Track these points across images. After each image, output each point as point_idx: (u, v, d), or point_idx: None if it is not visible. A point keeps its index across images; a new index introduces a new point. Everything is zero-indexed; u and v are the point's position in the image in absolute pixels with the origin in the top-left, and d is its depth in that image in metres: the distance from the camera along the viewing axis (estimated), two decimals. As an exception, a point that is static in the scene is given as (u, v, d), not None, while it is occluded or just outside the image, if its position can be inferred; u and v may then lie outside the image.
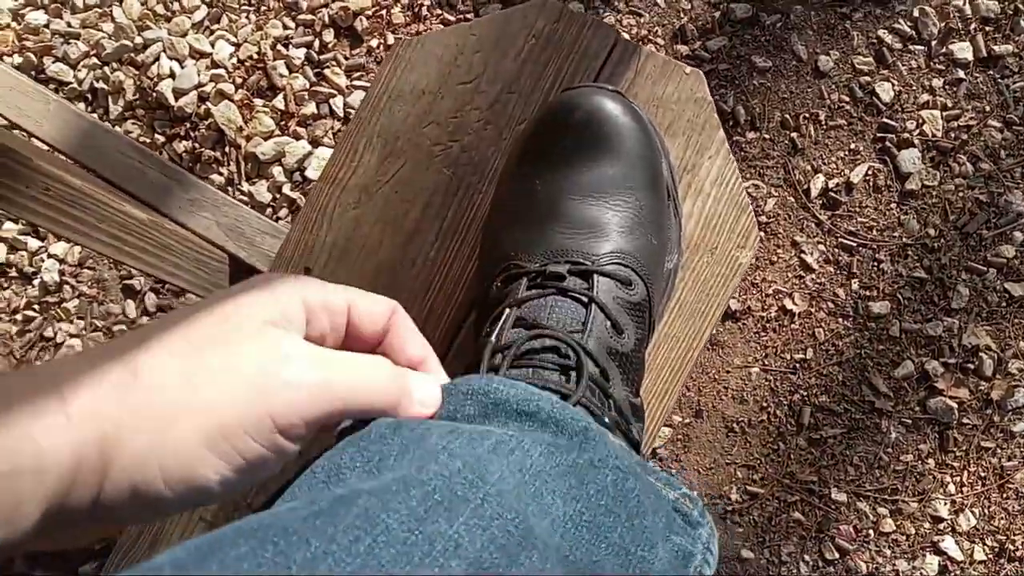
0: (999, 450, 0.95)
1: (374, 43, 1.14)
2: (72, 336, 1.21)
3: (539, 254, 0.46)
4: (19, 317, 1.22)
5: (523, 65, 0.58)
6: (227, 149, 1.17)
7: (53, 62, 1.22)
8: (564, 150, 0.48)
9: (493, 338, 0.42)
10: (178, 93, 1.17)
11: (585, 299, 0.43)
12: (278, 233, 0.69)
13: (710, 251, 0.55)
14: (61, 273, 1.22)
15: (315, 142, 1.15)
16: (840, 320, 0.99)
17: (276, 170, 1.15)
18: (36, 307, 1.22)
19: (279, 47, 1.15)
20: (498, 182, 0.54)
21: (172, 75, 1.18)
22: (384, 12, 1.13)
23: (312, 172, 1.13)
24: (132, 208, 0.65)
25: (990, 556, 0.95)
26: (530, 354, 0.41)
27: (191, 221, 0.70)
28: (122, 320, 1.20)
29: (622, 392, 0.43)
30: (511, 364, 0.41)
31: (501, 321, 0.44)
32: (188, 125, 1.18)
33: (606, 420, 0.40)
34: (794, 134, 1.01)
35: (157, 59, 1.18)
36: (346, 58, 1.14)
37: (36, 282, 1.21)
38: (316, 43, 1.14)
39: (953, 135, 0.98)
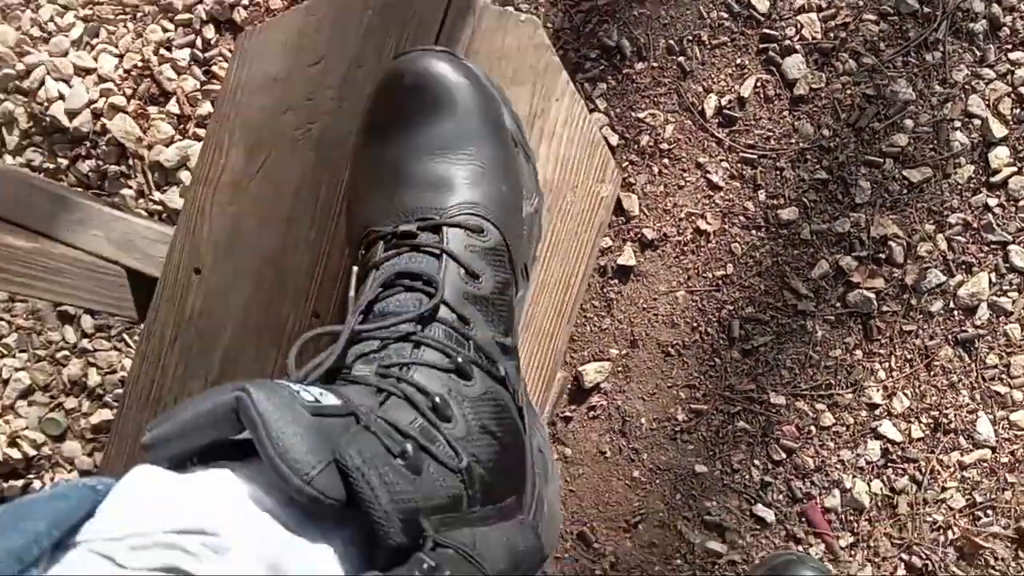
0: (921, 331, 0.99)
1: (258, 32, 1.13)
2: (18, 370, 1.21)
3: (391, 217, 0.48)
4: (-41, 363, 1.22)
5: (365, 39, 0.59)
6: (131, 161, 1.16)
7: (-64, 101, 1.20)
8: (401, 116, 0.49)
9: (351, 315, 0.44)
10: (71, 114, 1.16)
11: (437, 251, 0.45)
12: (168, 239, 0.70)
13: (572, 190, 0.57)
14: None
15: (218, 141, 1.14)
16: (753, 232, 1.01)
17: (184, 175, 1.14)
18: (-26, 350, 1.21)
19: (162, 51, 1.13)
20: (350, 159, 0.54)
21: (62, 96, 1.16)
22: (260, 0, 1.12)
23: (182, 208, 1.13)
24: (13, 239, 0.65)
25: (927, 432, 0.99)
26: (384, 315, 0.43)
27: (81, 241, 0.70)
28: (64, 346, 1.20)
29: (486, 333, 0.45)
30: (357, 332, 0.42)
31: (365, 286, 0.46)
32: (88, 144, 1.17)
33: (460, 360, 0.41)
34: (681, 58, 1.02)
35: (43, 83, 1.16)
36: (231, 51, 1.13)
37: (-32, 326, 1.21)
38: (198, 41, 1.13)
39: (832, 35, 0.99)
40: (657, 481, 1.04)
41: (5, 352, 1.22)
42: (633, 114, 1.02)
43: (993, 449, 0.97)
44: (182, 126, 1.14)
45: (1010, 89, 0.97)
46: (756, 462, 1.01)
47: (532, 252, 0.54)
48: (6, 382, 1.22)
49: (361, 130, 0.52)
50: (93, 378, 1.21)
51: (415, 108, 0.48)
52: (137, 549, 0.29)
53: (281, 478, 0.32)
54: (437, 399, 0.40)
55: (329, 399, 0.36)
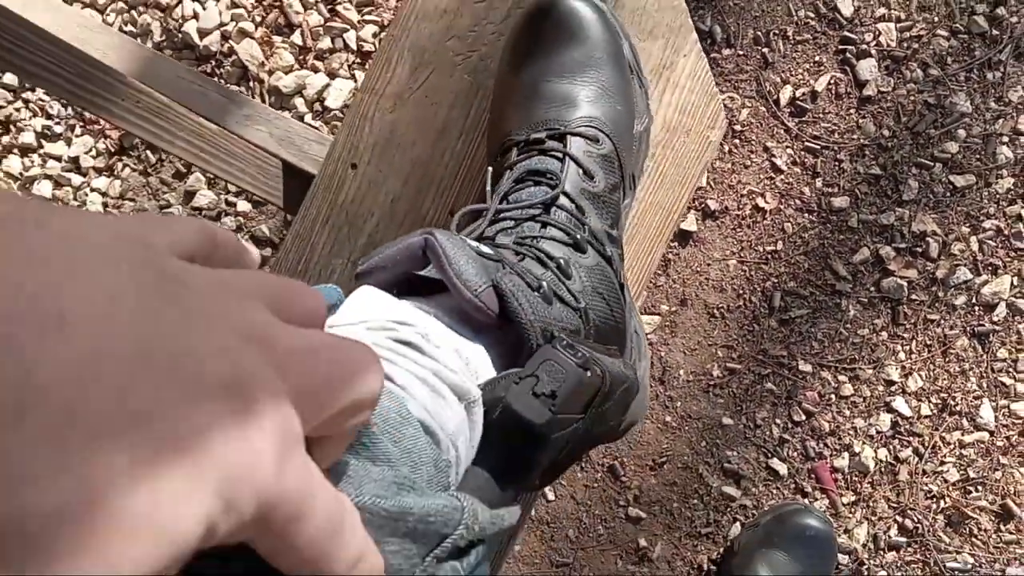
0: (943, 321, 1.10)
1: (382, -21, 1.25)
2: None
3: (525, 128, 0.59)
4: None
5: (529, -14, 0.70)
6: (251, 84, 1.28)
7: (82, 8, 1.32)
8: (539, 43, 0.61)
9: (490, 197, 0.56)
10: (202, 33, 1.28)
11: (560, 154, 0.57)
12: (323, 141, 0.82)
13: (686, 132, 0.69)
14: (105, 205, 1.34)
15: (332, 74, 1.26)
16: (806, 215, 1.12)
17: (298, 101, 1.26)
18: (83, 234, 1.34)
19: (294, -14, 1.26)
20: (495, 80, 0.66)
21: (196, 16, 1.29)
22: (390, -50, 1.24)
23: (332, 102, 1.25)
24: (203, 120, 0.77)
25: (934, 411, 1.10)
26: (518, 202, 0.55)
27: (248, 133, 0.82)
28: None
29: (598, 224, 0.56)
30: (499, 206, 0.54)
31: (502, 182, 0.57)
32: (214, 63, 1.29)
33: (578, 237, 0.53)
34: (765, 49, 1.13)
35: (180, 2, 1.29)
36: (357, -6, 1.25)
37: (82, 211, 1.33)
38: (329, -19, 1.25)
39: (906, 45, 1.11)
40: (686, 428, 1.16)
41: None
42: (713, 95, 1.14)
43: (991, 433, 1.09)
44: (302, 57, 1.27)
45: (1055, 115, 1.08)
46: (777, 420, 1.13)
47: (640, 165, 0.65)
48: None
49: (506, 56, 0.64)
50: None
51: (551, 37, 0.60)
52: (371, 330, 0.41)
53: (457, 292, 0.42)
54: (561, 261, 0.51)
55: (485, 250, 0.47)
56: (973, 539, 1.09)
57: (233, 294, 0.21)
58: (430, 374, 0.39)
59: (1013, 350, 1.09)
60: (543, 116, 0.59)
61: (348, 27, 1.25)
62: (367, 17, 1.25)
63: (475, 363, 0.42)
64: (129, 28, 1.31)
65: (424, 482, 0.34)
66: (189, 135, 0.73)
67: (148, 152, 1.33)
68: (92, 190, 1.34)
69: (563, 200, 0.54)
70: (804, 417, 1.12)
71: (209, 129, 0.76)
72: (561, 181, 0.55)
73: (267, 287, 0.23)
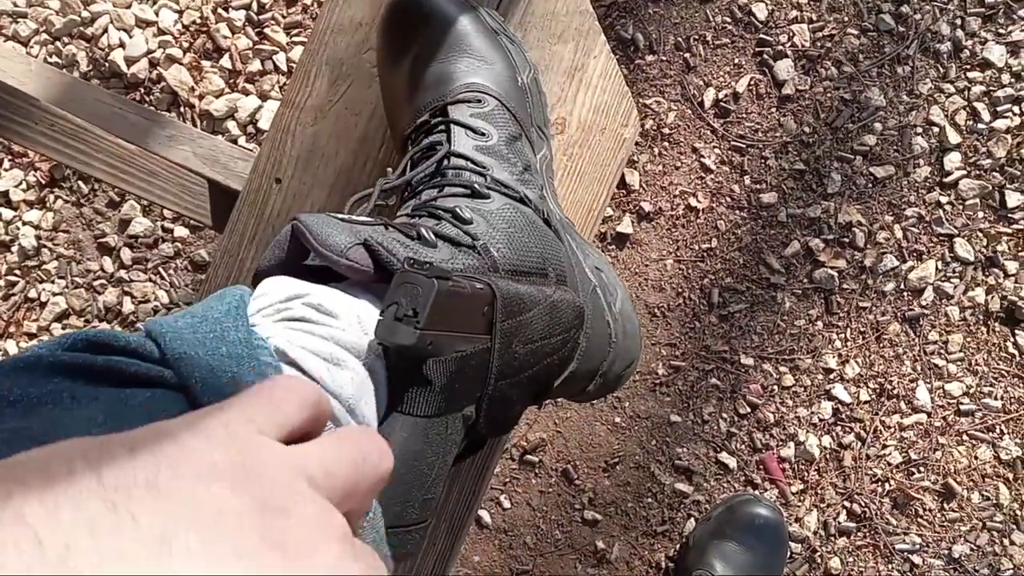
0: (874, 308, 1.13)
1: (308, 0, 1.25)
2: (55, 295, 1.31)
3: (413, 117, 0.60)
4: (2, 283, 1.31)
5: (441, -6, 0.71)
6: (182, 109, 1.27)
7: (4, 41, 1.30)
8: (401, 38, 0.62)
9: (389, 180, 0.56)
10: (130, 61, 1.27)
11: (444, 125, 0.57)
12: (248, 157, 0.82)
13: (600, 131, 0.70)
14: (38, 238, 1.31)
15: (263, 96, 1.26)
16: (737, 212, 1.15)
17: (230, 124, 1.26)
18: (17, 272, 1.31)
19: (220, 11, 1.26)
20: (380, 89, 0.67)
21: (122, 45, 1.28)
22: (316, -28, 1.25)
23: (264, 124, 1.25)
24: (122, 141, 0.76)
25: (873, 396, 1.13)
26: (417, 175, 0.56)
27: (171, 154, 0.82)
28: (101, 275, 1.30)
29: (503, 174, 0.56)
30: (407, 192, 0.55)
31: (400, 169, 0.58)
32: (143, 90, 1.28)
33: (475, 186, 0.53)
34: (687, 54, 1.16)
35: (105, 31, 1.28)
36: (283, 16, 1.25)
37: (15, 248, 1.31)
38: (254, 4, 1.25)
39: (819, 44, 1.15)
40: (636, 428, 1.17)
41: (45, 278, 1.32)
42: (641, 100, 1.16)
43: (929, 414, 1.12)
44: (232, 80, 1.26)
45: (966, 103, 1.13)
46: (724, 415, 1.15)
47: (543, 113, 0.65)
48: (43, 305, 1.32)
49: (379, 60, 0.65)
50: (127, 306, 1.31)
51: (410, 29, 0.61)
52: (265, 316, 0.41)
53: (324, 258, 0.42)
54: (456, 209, 0.51)
55: (361, 219, 0.47)
56: (919, 520, 1.11)
57: (329, 523, 0.23)
58: (325, 342, 0.39)
59: (943, 332, 1.12)
60: (424, 101, 0.60)
61: (277, 49, 1.25)
62: (296, 39, 1.25)
63: (367, 319, 0.43)
64: (55, 59, 1.30)
65: None
66: (107, 156, 0.73)
67: (80, 183, 1.31)
68: (24, 223, 1.31)
69: (455, 160, 0.55)
70: (749, 410, 1.14)
71: (128, 150, 0.75)
72: (448, 145, 0.56)
73: (354, 477, 0.26)
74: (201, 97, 1.26)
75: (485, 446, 0.63)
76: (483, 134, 0.57)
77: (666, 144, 1.17)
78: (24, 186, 1.30)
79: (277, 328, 0.40)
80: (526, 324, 0.47)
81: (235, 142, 1.25)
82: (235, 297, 0.41)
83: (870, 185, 1.13)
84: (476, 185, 0.53)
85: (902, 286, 1.13)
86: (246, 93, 1.26)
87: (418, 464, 0.43)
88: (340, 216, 0.46)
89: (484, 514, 1.17)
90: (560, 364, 0.52)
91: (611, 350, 0.58)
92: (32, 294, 1.31)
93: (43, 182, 1.29)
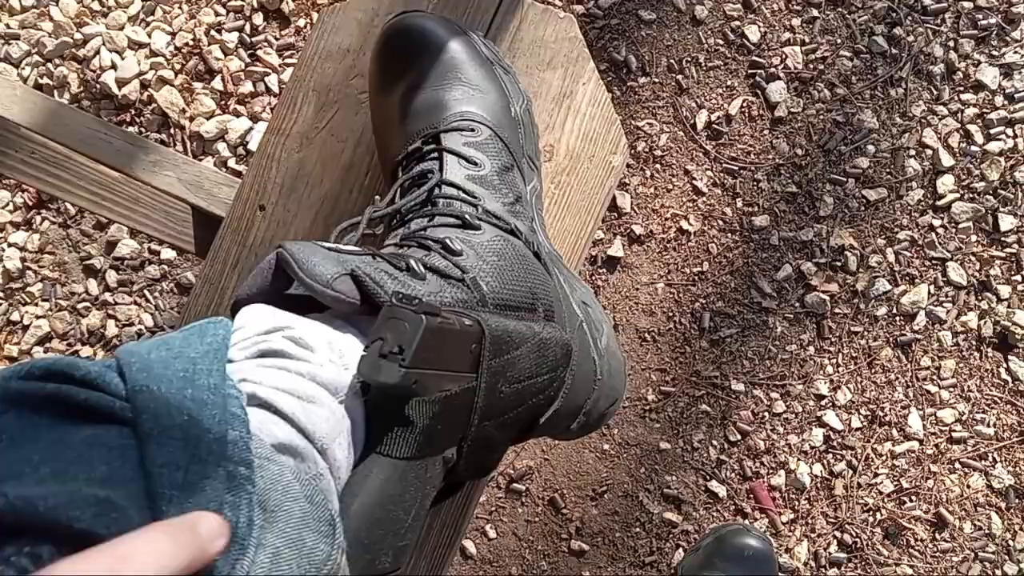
0: (866, 332, 1.12)
1: (301, 23, 1.25)
2: (39, 317, 1.30)
3: (404, 145, 0.59)
4: (-15, 304, 1.30)
5: (427, 21, 0.71)
6: (172, 131, 1.27)
7: (-5, 62, 1.30)
8: (393, 66, 0.61)
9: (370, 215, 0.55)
10: (121, 83, 1.27)
11: (437, 152, 0.57)
12: (233, 183, 0.81)
13: (589, 159, 0.69)
14: (23, 260, 1.30)
15: (254, 118, 1.26)
16: (729, 235, 1.14)
17: (221, 146, 1.25)
18: (1, 293, 1.30)
19: (212, 33, 1.25)
20: (370, 116, 0.67)
21: (114, 66, 1.27)
22: (307, -6, 1.24)
23: (254, 146, 1.24)
24: (105, 168, 0.75)
25: (864, 423, 1.12)
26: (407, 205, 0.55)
27: (155, 180, 0.81)
28: (86, 298, 1.29)
29: (495, 204, 0.55)
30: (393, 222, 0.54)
31: (389, 197, 0.57)
32: (133, 111, 1.27)
33: (467, 217, 0.52)
34: (679, 76, 1.16)
35: (98, 52, 1.27)
36: (276, 39, 1.25)
37: (-1, 269, 1.30)
38: (247, 27, 1.25)
39: (812, 66, 1.14)
40: (625, 455, 1.16)
41: (28, 300, 1.31)
42: (633, 122, 1.16)
43: (921, 441, 1.11)
44: (224, 102, 1.26)
45: (959, 125, 1.12)
46: (714, 442, 1.14)
47: (535, 144, 0.64)
48: (26, 328, 1.31)
49: (371, 87, 0.64)
50: (111, 329, 1.30)
51: (403, 57, 0.61)
52: (241, 350, 0.40)
53: (308, 288, 0.41)
54: (447, 240, 0.50)
55: (349, 248, 0.46)
56: (911, 550, 1.10)
57: None
58: (300, 379, 0.38)
59: (935, 357, 1.11)
60: (417, 128, 0.59)
61: (269, 71, 1.25)
62: (287, 61, 1.25)
63: (349, 354, 0.42)
64: (46, 80, 1.29)
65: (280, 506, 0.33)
66: (89, 183, 0.72)
67: (67, 204, 1.30)
68: (9, 245, 1.30)
69: (447, 190, 0.54)
70: (740, 437, 1.13)
71: (111, 177, 0.74)
72: (439, 173, 0.55)
73: None
74: (192, 119, 1.26)
75: (464, 487, 0.62)
76: (475, 163, 0.56)
77: (658, 166, 1.16)
78: (11, 207, 1.29)
79: (250, 365, 0.39)
80: (513, 362, 0.46)
81: (225, 164, 1.25)
82: (217, 337, 0.39)
83: (863, 208, 1.13)
84: (467, 216, 0.52)
85: (894, 310, 1.12)
86: (237, 115, 1.25)
87: (394, 509, 0.42)
88: (326, 245, 0.45)
89: (469, 544, 1.15)
90: (546, 403, 0.51)
91: (596, 388, 0.57)
92: (15, 316, 1.29)
93: (30, 204, 1.28)
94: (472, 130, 0.58)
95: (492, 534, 1.15)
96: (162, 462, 0.30)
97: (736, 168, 1.14)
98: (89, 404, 0.31)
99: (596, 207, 0.70)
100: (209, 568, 0.29)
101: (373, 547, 0.41)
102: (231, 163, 1.24)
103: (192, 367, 0.35)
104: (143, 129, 1.27)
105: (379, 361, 0.38)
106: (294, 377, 0.38)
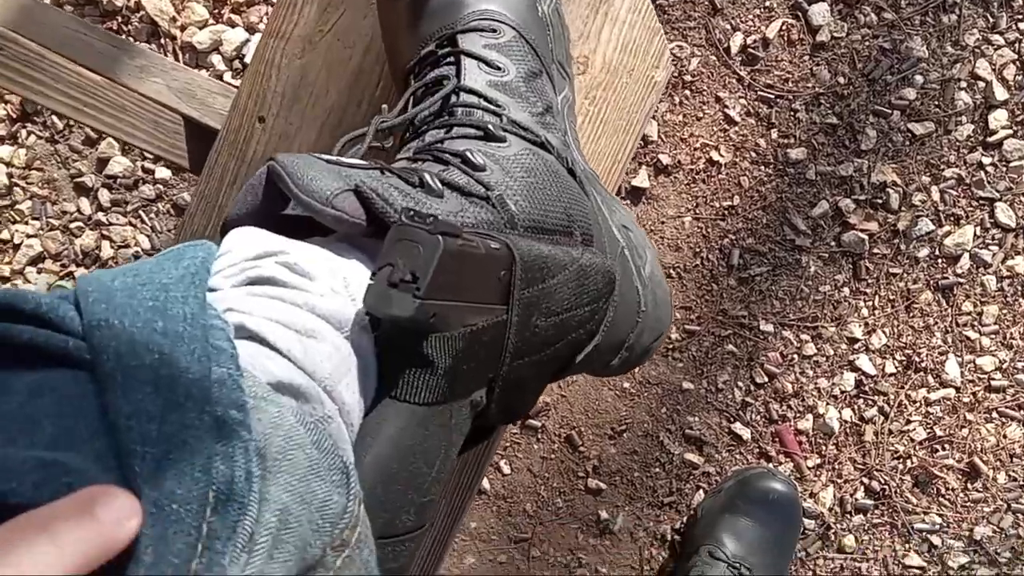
0: (905, 275, 1.06)
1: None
2: (30, 236, 1.23)
3: (417, 48, 0.52)
4: (-29, 224, 1.23)
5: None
6: (163, 41, 1.17)
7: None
8: None
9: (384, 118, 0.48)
10: (107, -14, 1.17)
11: (453, 56, 0.49)
12: (228, 92, 0.73)
13: (628, 72, 0.61)
14: (10, 176, 1.23)
15: (251, 28, 1.16)
16: (762, 168, 1.07)
17: (215, 59, 1.16)
18: (-12, 212, 1.23)
19: (207, -67, 1.15)
20: (378, 19, 0.58)
21: (99, -32, 1.17)
22: None
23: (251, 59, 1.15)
24: (86, 71, 0.68)
25: (899, 369, 1.06)
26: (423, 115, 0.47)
27: (142, 87, 0.73)
28: (79, 217, 1.22)
29: (521, 114, 0.48)
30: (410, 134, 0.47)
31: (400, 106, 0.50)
32: (120, 19, 1.18)
33: (489, 128, 0.45)
34: (714, -7, 1.06)
35: (82, -47, 1.17)
36: (276, -59, 1.15)
37: (-15, 187, 1.22)
38: (244, -73, 1.14)
39: (860, -15, 1.05)
40: (645, 394, 1.10)
41: (18, 218, 1.24)
42: (662, 42, 1.07)
43: (957, 389, 1.05)
44: (217, 11, 1.16)
45: (1016, 56, 1.03)
46: (739, 384, 1.08)
47: (565, 49, 0.57)
48: (17, 247, 1.25)
49: None
50: (106, 251, 1.23)
51: None
52: (227, 277, 0.34)
53: (305, 207, 0.35)
54: (467, 153, 0.43)
55: (354, 162, 0.39)
56: (941, 499, 1.06)
57: None
58: (297, 310, 0.32)
59: (977, 303, 1.05)
60: (431, 29, 0.52)
61: (268, -23, 1.15)
62: (288, -34, 1.15)
63: (355, 284, 0.35)
64: (27, -16, 1.19)
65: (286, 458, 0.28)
66: (68, 87, 0.64)
67: (55, 118, 1.22)
68: (-5, 162, 1.22)
69: (466, 97, 0.47)
70: (766, 379, 1.08)
71: (92, 81, 0.67)
72: (457, 79, 0.48)
73: None
74: (183, 28, 1.16)
75: (496, 432, 0.56)
76: (498, 68, 0.49)
77: (688, 92, 1.07)
78: (-6, 121, 1.21)
79: (238, 294, 0.32)
80: (550, 293, 0.40)
81: (220, 78, 1.16)
82: (195, 260, 0.33)
83: (907, 142, 1.05)
84: (490, 126, 0.45)
85: (936, 252, 1.05)
86: (232, 25, 1.16)
87: (415, 461, 0.36)
88: (327, 157, 0.39)
89: (483, 480, 1.11)
90: (586, 337, 0.45)
91: (639, 320, 0.51)
92: (5, 235, 1.23)
93: (14, 116, 1.20)
94: (494, 30, 0.50)
95: (506, 470, 1.11)
96: (129, 412, 0.24)
97: (772, 96, 1.06)
98: (35, 344, 0.24)
99: (635, 126, 0.62)
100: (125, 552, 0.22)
101: (392, 505, 0.35)
102: (227, 77, 1.16)
103: (164, 295, 0.29)
104: (132, 38, 1.18)
105: (390, 291, 0.32)
106: (290, 308, 0.32)
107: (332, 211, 0.35)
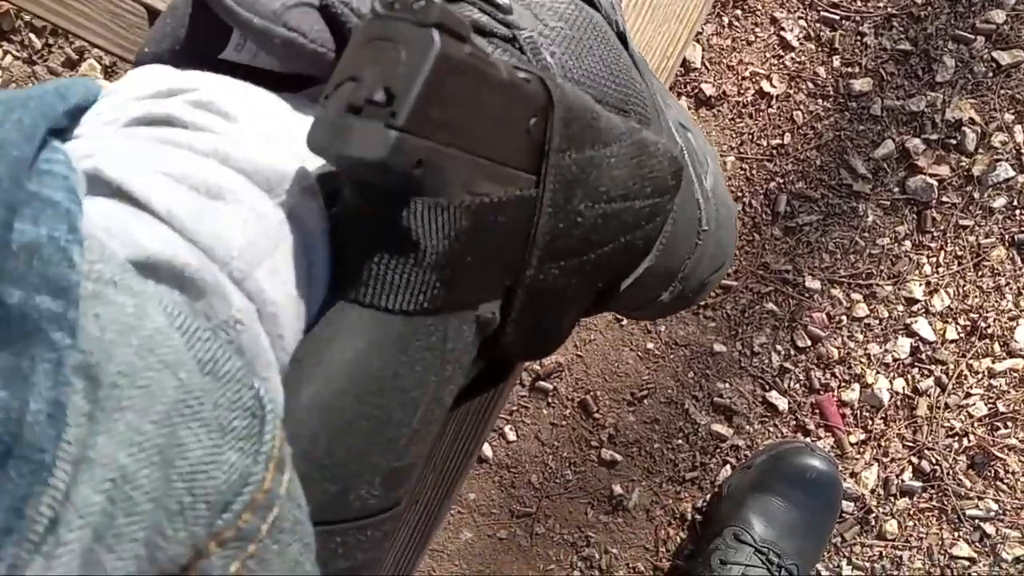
0: (977, 227, 0.93)
1: None
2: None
3: None
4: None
5: None
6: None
7: None
8: None
9: None
10: None
11: None
12: (196, -29, 0.61)
13: (689, -60, 0.49)
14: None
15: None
16: (820, 101, 0.94)
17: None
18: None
19: None
20: None
21: None
22: None
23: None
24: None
25: (962, 335, 0.94)
26: None
27: (95, -37, 0.61)
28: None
29: None
30: None
31: None
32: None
33: None
34: None
35: None
36: None
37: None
38: None
39: None
40: (671, 356, 0.99)
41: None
42: (712, -51, 0.93)
43: (1028, 360, 0.93)
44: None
45: (1125, -23, 0.89)
46: (778, 347, 0.97)
47: None
48: None
49: None
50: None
51: None
52: (101, 114, 0.24)
53: (243, 26, 0.24)
54: None
55: None
56: (998, 483, 0.95)
57: None
58: (196, 159, 0.21)
59: (1058, 263, 0.92)
60: None
61: None
62: None
63: (303, 134, 0.23)
64: None
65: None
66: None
67: (32, 36, 1.11)
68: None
69: None
70: (809, 343, 0.96)
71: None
72: None
73: None
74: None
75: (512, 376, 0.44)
76: None
77: (738, 12, 0.94)
78: (-41, 29, 1.10)
79: (107, 133, 0.22)
80: (599, 166, 0.27)
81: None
82: (63, 91, 0.22)
83: (991, 74, 0.91)
84: None
85: (1015, 202, 0.92)
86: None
87: (385, 403, 0.23)
88: None
89: (484, 446, 1.00)
90: (643, 246, 0.32)
91: (699, 243, 0.38)
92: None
93: (-18, 25, 1.09)
94: None
95: (512, 436, 1.00)
96: None
97: (837, 17, 0.92)
98: None
99: (691, 13, 0.50)
100: None
101: (345, 470, 0.23)
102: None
103: None
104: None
105: (349, 119, 0.20)
106: (185, 155, 0.21)
107: (283, 31, 0.24)
